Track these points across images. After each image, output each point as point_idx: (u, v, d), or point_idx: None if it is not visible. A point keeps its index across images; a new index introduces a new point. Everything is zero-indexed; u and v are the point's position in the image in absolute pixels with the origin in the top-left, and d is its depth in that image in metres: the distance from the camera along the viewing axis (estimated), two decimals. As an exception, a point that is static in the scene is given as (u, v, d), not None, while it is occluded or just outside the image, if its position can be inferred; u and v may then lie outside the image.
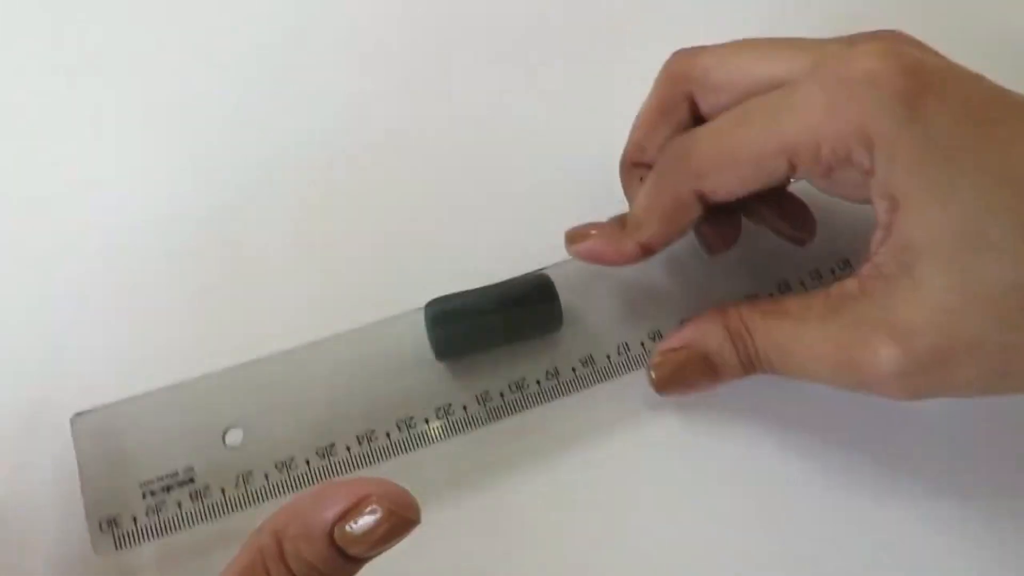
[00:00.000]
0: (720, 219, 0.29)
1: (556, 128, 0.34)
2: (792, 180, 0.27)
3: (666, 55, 0.28)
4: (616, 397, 0.29)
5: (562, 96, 0.35)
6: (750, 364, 0.27)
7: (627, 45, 0.36)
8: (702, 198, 0.26)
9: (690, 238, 0.29)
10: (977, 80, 0.24)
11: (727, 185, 0.26)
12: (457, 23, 0.38)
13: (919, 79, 0.23)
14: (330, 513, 0.20)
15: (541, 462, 0.28)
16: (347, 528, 0.20)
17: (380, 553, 0.20)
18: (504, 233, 0.32)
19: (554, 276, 0.29)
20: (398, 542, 0.20)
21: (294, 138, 0.35)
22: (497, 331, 0.28)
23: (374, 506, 0.20)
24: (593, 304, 0.30)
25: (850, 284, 0.25)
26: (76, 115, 0.35)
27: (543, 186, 0.33)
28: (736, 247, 0.29)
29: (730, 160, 0.25)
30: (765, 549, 0.27)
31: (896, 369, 0.23)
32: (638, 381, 0.28)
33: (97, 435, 0.26)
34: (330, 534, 0.20)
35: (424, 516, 0.20)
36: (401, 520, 0.20)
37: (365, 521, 0.20)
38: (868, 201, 0.25)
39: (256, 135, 0.35)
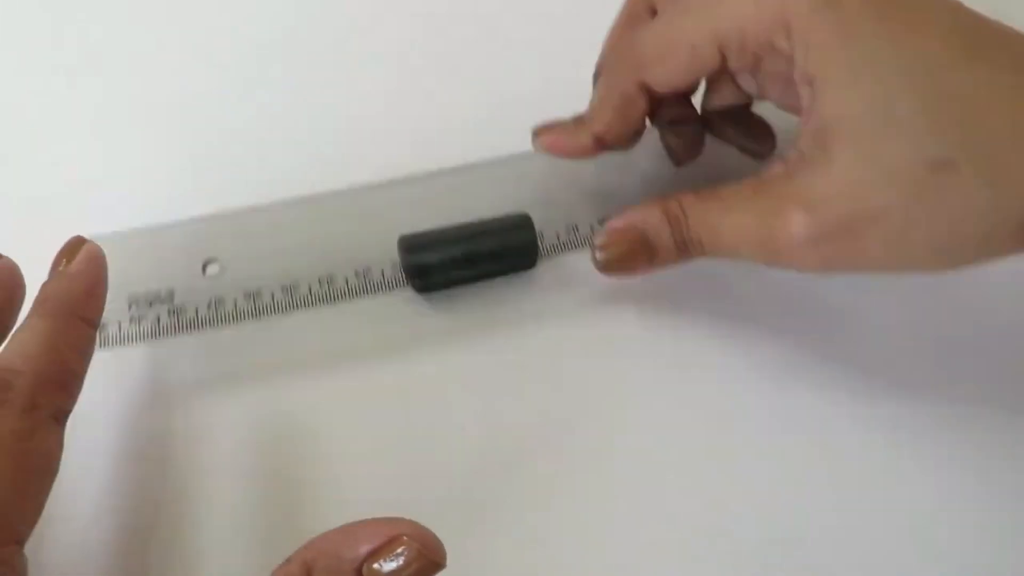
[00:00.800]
0: (685, 131, 0.31)
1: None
2: (733, 73, 0.29)
3: None
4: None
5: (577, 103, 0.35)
6: (684, 246, 0.28)
7: None
8: (647, 90, 0.28)
9: (659, 152, 0.32)
10: None
11: (667, 75, 0.28)
12: (460, 23, 0.38)
13: None
14: (362, 550, 0.20)
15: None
16: (375, 566, 0.20)
17: None
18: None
19: (527, 175, 0.32)
20: None
21: (294, 138, 0.35)
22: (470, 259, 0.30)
23: (405, 547, 0.20)
24: (558, 201, 0.32)
25: (776, 167, 0.26)
26: (76, 115, 0.35)
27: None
28: (701, 165, 0.31)
29: (667, 50, 0.27)
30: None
31: (806, 236, 0.25)
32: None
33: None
34: (358, 570, 0.20)
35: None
36: (428, 563, 0.20)
37: (395, 560, 0.20)
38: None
39: (256, 135, 0.35)
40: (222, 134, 0.35)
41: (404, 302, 0.30)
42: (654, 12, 0.29)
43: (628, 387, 0.29)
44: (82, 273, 0.25)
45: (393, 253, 0.30)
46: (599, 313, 0.31)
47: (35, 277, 0.25)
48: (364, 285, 0.30)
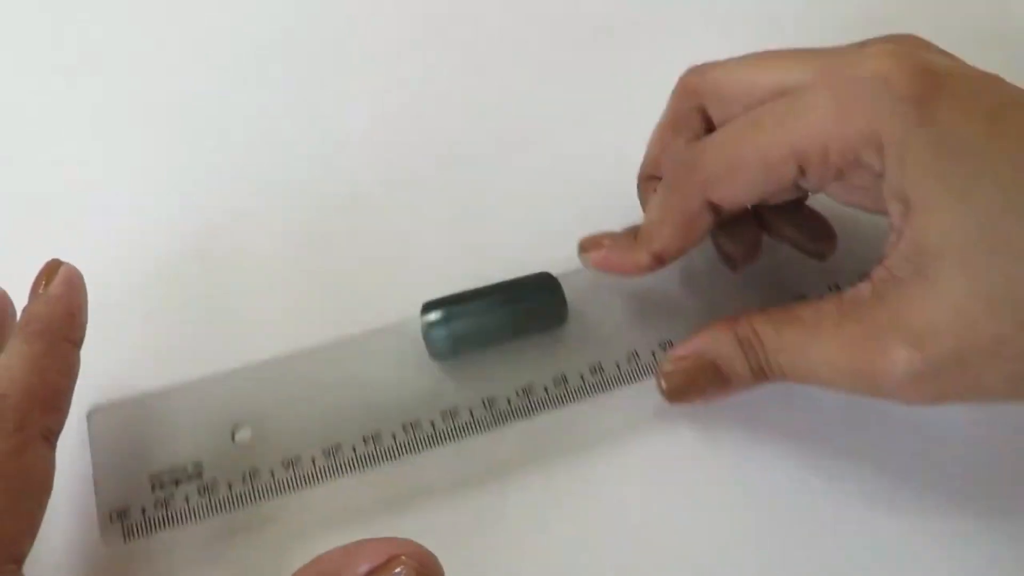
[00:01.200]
0: (740, 234, 0.29)
1: (571, 137, 0.34)
2: (805, 189, 0.27)
3: (685, 66, 0.28)
4: (625, 407, 0.29)
5: (578, 105, 0.35)
6: (761, 372, 0.26)
7: (645, 55, 0.36)
8: (713, 207, 0.26)
9: (710, 253, 0.30)
10: (988, 80, 0.24)
11: (736, 193, 0.26)
12: (460, 23, 0.38)
13: (929, 80, 0.23)
14: (360, 570, 0.20)
15: (545, 469, 0.28)
16: None
17: None
18: (516, 242, 0.32)
19: (566, 285, 0.29)
20: None
21: (295, 137, 0.35)
22: (498, 326, 0.28)
23: (403, 567, 0.20)
24: (605, 311, 0.29)
25: (863, 289, 0.24)
26: (76, 115, 0.35)
27: (557, 196, 0.33)
28: (756, 263, 0.29)
29: (738, 167, 0.25)
30: (772, 563, 0.27)
31: (912, 373, 0.23)
32: (648, 390, 0.28)
33: (111, 429, 0.27)
34: None
35: (424, 517, 0.19)
36: None
37: None
38: (883, 210, 0.24)
39: (256, 135, 0.35)
40: (222, 134, 0.35)
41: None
42: (703, 114, 0.28)
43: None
44: (62, 296, 0.25)
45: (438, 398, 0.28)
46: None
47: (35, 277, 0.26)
48: (413, 440, 0.27)
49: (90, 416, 0.27)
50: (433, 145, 0.34)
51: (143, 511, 0.26)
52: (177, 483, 0.26)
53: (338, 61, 0.37)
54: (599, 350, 0.29)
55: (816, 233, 0.29)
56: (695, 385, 0.27)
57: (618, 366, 0.29)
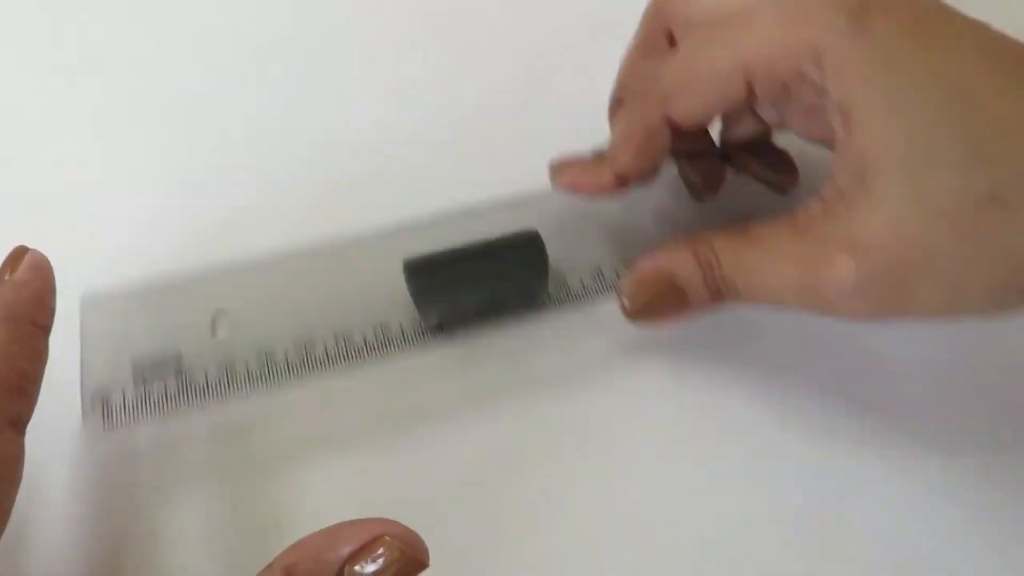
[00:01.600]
0: (705, 165, 0.30)
1: (570, 137, 0.33)
2: (761, 112, 0.28)
3: None
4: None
5: (578, 104, 0.34)
6: (717, 292, 0.27)
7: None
8: (671, 124, 0.27)
9: (677, 186, 0.31)
10: None
11: (692, 107, 0.27)
12: (460, 23, 0.38)
13: None
14: (343, 551, 0.20)
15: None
16: (356, 568, 0.20)
17: None
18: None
19: (540, 212, 0.30)
20: None
21: (295, 137, 0.35)
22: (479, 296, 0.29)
23: (386, 547, 0.20)
24: (575, 240, 0.30)
25: (814, 207, 0.25)
26: (76, 115, 0.35)
27: (557, 195, 0.32)
28: (722, 198, 0.30)
29: (692, 81, 0.26)
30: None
31: (854, 282, 0.23)
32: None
33: (100, 316, 0.27)
34: (340, 572, 0.20)
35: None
36: (411, 561, 0.20)
37: (376, 562, 0.20)
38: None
39: (256, 135, 0.35)
40: (222, 134, 0.35)
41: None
42: (671, 40, 0.28)
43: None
44: (28, 281, 0.24)
45: (409, 305, 0.28)
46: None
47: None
48: (384, 341, 0.28)
49: (83, 300, 0.27)
50: (433, 144, 0.34)
51: (123, 396, 0.26)
52: (157, 370, 0.27)
53: (338, 61, 0.37)
54: (567, 268, 0.29)
55: (779, 168, 0.30)
56: (654, 303, 0.27)
57: (583, 283, 0.29)
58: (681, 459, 0.28)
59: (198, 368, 0.27)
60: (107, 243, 0.32)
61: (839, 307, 0.24)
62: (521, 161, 0.34)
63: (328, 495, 0.27)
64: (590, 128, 0.32)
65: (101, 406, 0.26)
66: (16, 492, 0.22)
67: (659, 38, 0.29)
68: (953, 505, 0.27)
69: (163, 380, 0.26)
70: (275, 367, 0.27)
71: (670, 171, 0.31)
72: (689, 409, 0.29)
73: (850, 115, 0.23)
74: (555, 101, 0.36)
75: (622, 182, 0.28)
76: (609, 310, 0.28)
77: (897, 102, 0.23)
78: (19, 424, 0.23)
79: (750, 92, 0.25)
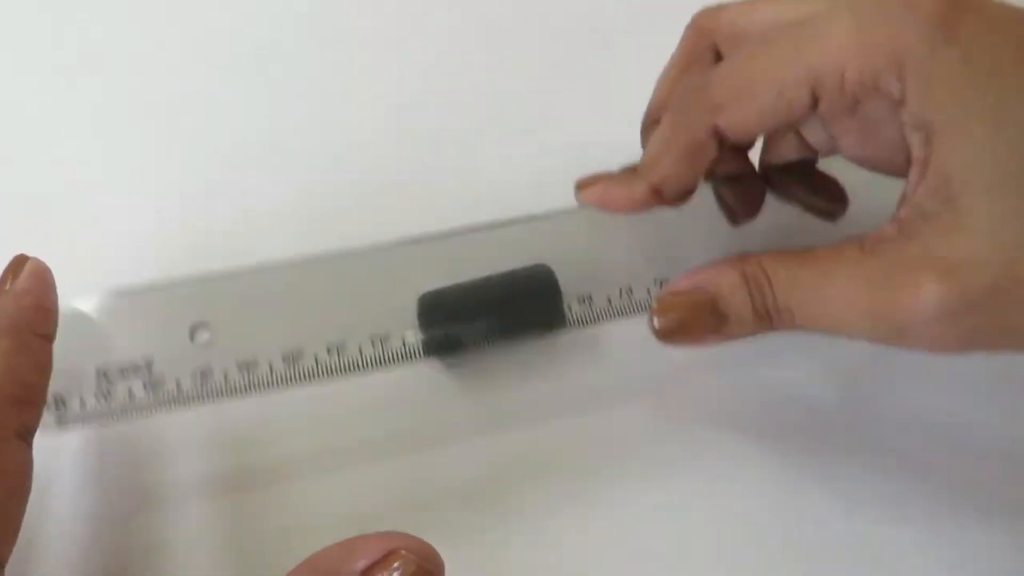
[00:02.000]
0: (743, 186, 0.28)
1: (571, 137, 0.34)
2: (816, 133, 0.26)
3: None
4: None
5: (578, 104, 0.35)
6: (766, 316, 0.24)
7: (644, 53, 0.35)
8: (719, 136, 0.24)
9: (712, 208, 0.28)
10: (1013, 6, 0.22)
11: (746, 118, 0.24)
12: (460, 23, 0.38)
13: (955, 1, 0.22)
14: (358, 565, 0.20)
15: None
16: None
17: None
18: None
19: (557, 223, 0.28)
20: None
21: (295, 137, 0.35)
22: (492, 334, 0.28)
23: (402, 561, 0.20)
24: (601, 248, 0.28)
25: (887, 229, 0.23)
26: (76, 115, 0.35)
27: (557, 195, 0.32)
28: (762, 222, 0.28)
29: (749, 90, 0.24)
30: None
31: (943, 309, 0.21)
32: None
33: (70, 322, 0.26)
34: None
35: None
36: (427, 575, 0.20)
37: (393, 574, 0.20)
38: (896, 166, 0.23)
39: (256, 135, 0.35)
40: (221, 134, 0.35)
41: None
42: (715, 52, 0.26)
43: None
44: (30, 290, 0.24)
45: (414, 318, 0.27)
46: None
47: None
48: (382, 355, 0.26)
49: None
50: (433, 144, 0.34)
51: (82, 401, 0.25)
52: (123, 376, 0.25)
53: (338, 61, 0.37)
54: (591, 283, 0.27)
55: (827, 194, 0.28)
56: (690, 324, 0.25)
57: (609, 301, 0.27)
58: (685, 478, 0.28)
59: (169, 374, 0.26)
60: (107, 243, 0.32)
61: (918, 335, 0.22)
62: (521, 160, 0.34)
63: (331, 508, 0.27)
64: (591, 127, 0.33)
65: (56, 409, 0.25)
66: (27, 502, 0.22)
67: (703, 54, 0.27)
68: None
69: (128, 385, 0.25)
70: (257, 376, 0.26)
71: (704, 196, 0.28)
72: (694, 428, 0.28)
73: (933, 128, 0.22)
74: (554, 100, 0.36)
75: (656, 195, 0.25)
76: (620, 334, 0.28)
77: (992, 115, 0.21)
78: (26, 434, 0.23)
79: (813, 104, 0.23)
